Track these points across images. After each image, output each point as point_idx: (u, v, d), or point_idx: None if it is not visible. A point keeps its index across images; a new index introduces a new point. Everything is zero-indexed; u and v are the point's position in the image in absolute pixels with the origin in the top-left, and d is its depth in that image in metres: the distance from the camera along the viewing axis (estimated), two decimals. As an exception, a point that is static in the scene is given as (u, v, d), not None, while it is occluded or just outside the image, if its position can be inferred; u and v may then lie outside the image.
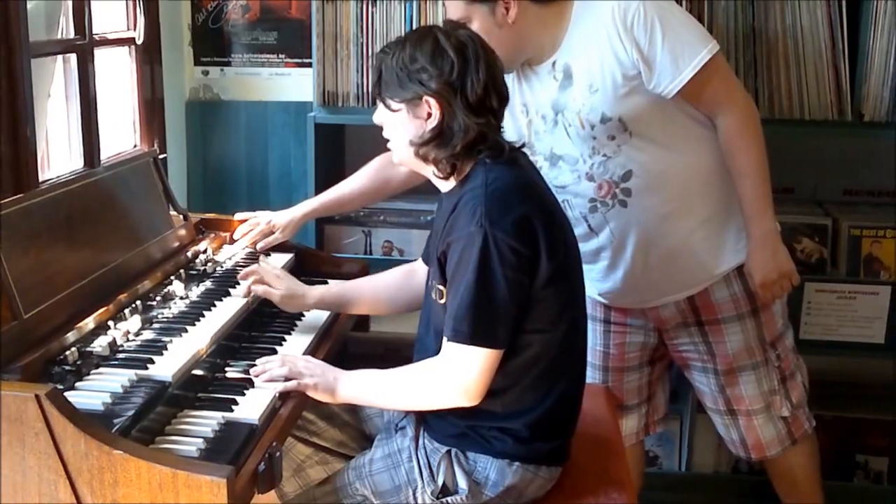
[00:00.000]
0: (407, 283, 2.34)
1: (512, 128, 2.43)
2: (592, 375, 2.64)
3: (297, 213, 2.73)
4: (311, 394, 1.98)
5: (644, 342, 2.66)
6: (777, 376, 2.57)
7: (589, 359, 2.35)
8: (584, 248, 2.37)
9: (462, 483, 1.98)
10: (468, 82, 1.89)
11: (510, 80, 2.38)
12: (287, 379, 1.98)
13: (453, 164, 1.96)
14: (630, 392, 2.73)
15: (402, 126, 1.98)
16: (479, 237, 1.82)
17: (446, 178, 1.99)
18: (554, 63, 2.40)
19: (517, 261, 1.84)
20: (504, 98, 1.98)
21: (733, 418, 2.61)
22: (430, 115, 1.93)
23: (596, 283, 2.55)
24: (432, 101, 1.91)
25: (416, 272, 2.33)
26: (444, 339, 1.89)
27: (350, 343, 2.55)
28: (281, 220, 2.71)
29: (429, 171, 2.02)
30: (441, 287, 1.94)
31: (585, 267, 2.15)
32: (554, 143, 2.44)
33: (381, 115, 2.04)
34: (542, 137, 2.46)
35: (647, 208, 2.40)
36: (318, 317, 2.42)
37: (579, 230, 2.38)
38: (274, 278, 2.34)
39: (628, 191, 2.39)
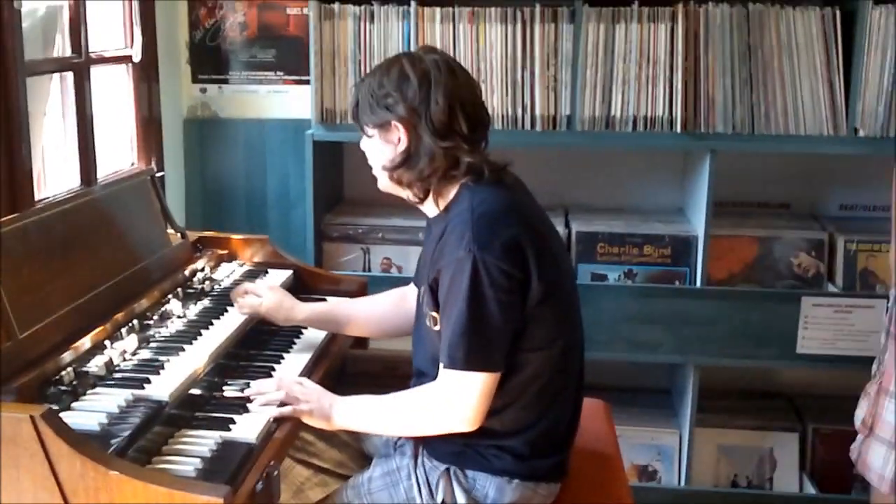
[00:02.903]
0: (398, 309, 2.33)
1: None
2: None
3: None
4: (306, 420, 1.97)
5: None
6: None
7: None
8: None
9: (461, 500, 1.98)
10: (431, 106, 1.92)
11: None
12: (283, 404, 1.97)
13: (426, 188, 1.99)
14: None
15: (377, 151, 2.03)
16: (469, 263, 1.82)
17: (421, 201, 2.02)
18: None
19: (508, 283, 1.84)
20: (478, 122, 1.98)
21: None
22: (399, 139, 1.95)
23: None
24: (399, 126, 1.94)
25: (407, 297, 2.33)
26: (441, 366, 1.88)
27: (348, 361, 2.54)
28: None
29: (406, 195, 2.04)
30: (434, 314, 1.94)
31: None
32: None
33: (363, 142, 2.08)
34: None
35: None
36: (316, 335, 2.41)
37: None
38: (263, 292, 2.36)
39: None
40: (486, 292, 1.82)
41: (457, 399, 1.87)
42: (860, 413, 2.55)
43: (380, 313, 2.37)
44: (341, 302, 2.43)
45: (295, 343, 2.36)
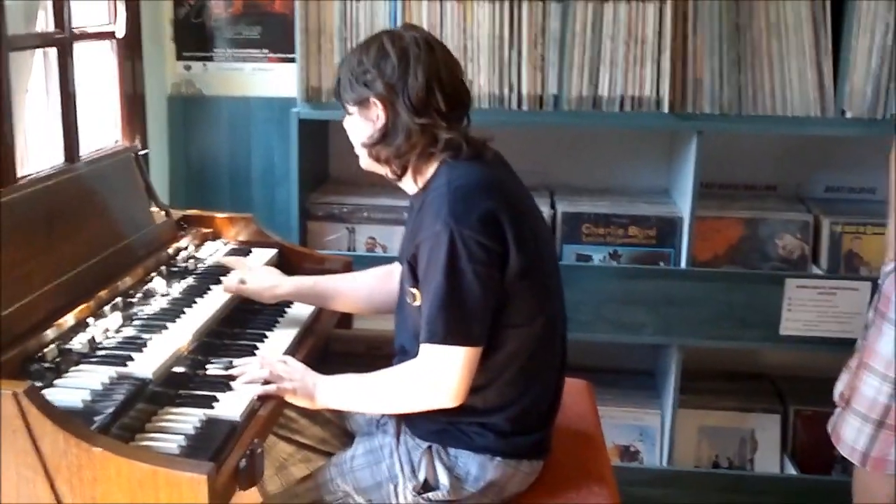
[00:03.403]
0: (385, 285, 2.32)
1: None
2: None
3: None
4: (289, 398, 1.97)
5: None
6: None
7: None
8: None
9: (443, 478, 1.99)
10: (408, 83, 1.93)
11: None
12: (266, 382, 1.96)
13: (403, 165, 2.00)
14: None
15: (357, 128, 2.04)
16: (446, 235, 1.83)
17: (399, 178, 2.03)
18: None
19: (486, 256, 1.84)
20: (457, 100, 1.99)
21: None
22: (378, 116, 1.97)
23: None
24: (377, 102, 1.96)
25: (393, 274, 2.31)
26: (421, 341, 1.88)
27: (332, 341, 2.54)
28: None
29: (385, 172, 2.05)
30: (414, 290, 1.94)
31: None
32: None
33: (345, 121, 2.09)
34: None
35: None
36: (300, 313, 2.41)
37: None
38: (248, 272, 2.37)
39: None
40: (463, 266, 1.82)
41: (438, 374, 1.87)
42: (839, 386, 2.58)
43: (367, 289, 2.37)
44: (327, 277, 2.43)
45: (279, 321, 2.35)
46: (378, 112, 1.96)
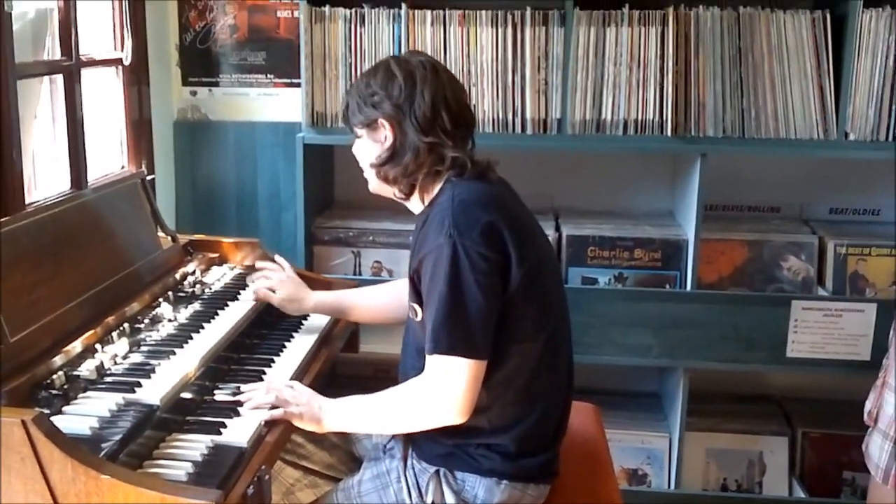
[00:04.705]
0: (399, 298, 2.34)
1: None
2: None
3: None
4: (296, 423, 1.97)
5: None
6: None
7: None
8: None
9: (451, 502, 1.99)
10: (415, 103, 1.98)
11: None
12: (273, 407, 1.97)
13: (411, 184, 2.04)
14: None
15: (366, 150, 2.09)
16: (448, 247, 1.85)
17: (407, 197, 2.07)
18: None
19: (488, 266, 1.86)
20: (462, 121, 2.03)
21: None
22: (385, 137, 2.01)
23: None
24: (385, 123, 2.01)
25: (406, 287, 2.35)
26: (426, 353, 1.89)
27: (339, 364, 2.55)
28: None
29: (393, 193, 2.09)
30: (416, 305, 1.96)
31: None
32: None
33: (354, 146, 2.14)
34: None
35: None
36: (308, 337, 2.42)
37: None
38: (279, 282, 2.45)
39: None
40: (466, 276, 1.84)
41: (444, 386, 1.87)
42: (868, 405, 2.58)
43: (382, 301, 2.43)
44: (348, 292, 2.50)
45: (286, 346, 2.36)
46: (386, 133, 2.01)
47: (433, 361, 1.88)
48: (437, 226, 1.90)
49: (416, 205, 2.09)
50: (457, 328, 1.85)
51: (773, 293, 3.15)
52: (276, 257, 2.59)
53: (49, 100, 2.86)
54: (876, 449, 2.50)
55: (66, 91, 2.86)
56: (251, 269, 2.72)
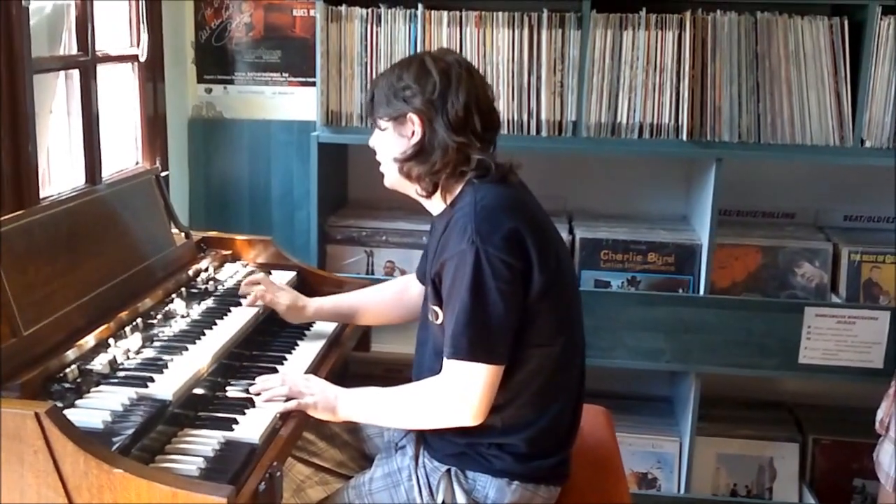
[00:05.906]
0: (400, 298, 2.39)
1: None
2: None
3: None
4: (311, 412, 1.98)
5: None
6: None
7: None
8: None
9: (461, 502, 1.98)
10: (449, 101, 1.96)
11: None
12: (287, 398, 1.98)
13: (435, 183, 2.02)
14: None
15: (389, 144, 2.05)
16: (471, 254, 1.84)
17: (428, 196, 2.05)
18: None
19: (510, 274, 1.85)
20: (490, 124, 2.02)
21: None
22: (413, 132, 1.98)
23: None
24: (415, 118, 1.98)
25: (409, 288, 2.38)
26: (445, 357, 1.89)
27: (351, 363, 2.55)
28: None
29: (413, 191, 2.06)
30: (437, 308, 1.96)
31: None
32: None
33: (373, 138, 2.11)
34: None
35: None
36: (319, 335, 2.43)
37: None
38: (278, 289, 2.41)
39: None
40: (488, 283, 1.84)
41: (461, 390, 1.88)
42: (880, 413, 2.58)
43: (383, 303, 2.43)
44: (347, 295, 2.49)
45: (298, 344, 2.37)
46: (414, 128, 1.98)
47: (451, 365, 1.88)
48: (459, 231, 1.89)
49: (436, 204, 2.07)
50: (477, 335, 1.85)
51: (786, 299, 3.14)
52: (260, 275, 2.51)
53: (64, 95, 2.86)
54: (887, 457, 2.49)
55: (82, 86, 2.86)
56: (265, 266, 2.73)
